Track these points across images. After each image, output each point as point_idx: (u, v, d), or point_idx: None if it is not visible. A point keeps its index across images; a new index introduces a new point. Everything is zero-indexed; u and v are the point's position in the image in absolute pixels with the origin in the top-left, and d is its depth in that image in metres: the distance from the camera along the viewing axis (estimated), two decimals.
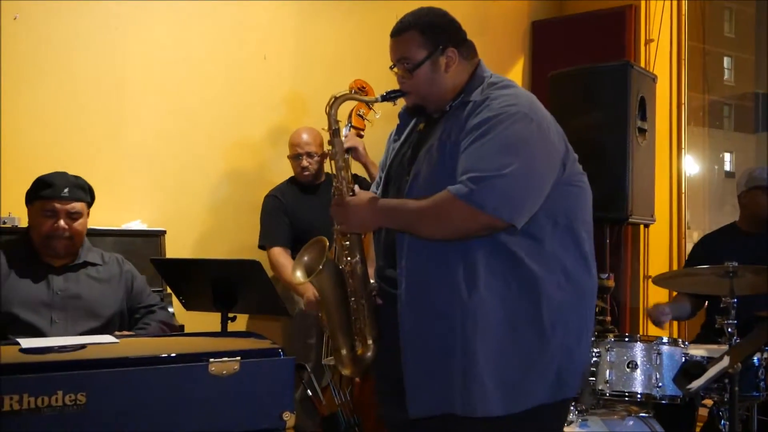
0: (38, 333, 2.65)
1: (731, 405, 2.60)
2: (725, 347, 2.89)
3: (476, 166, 1.93)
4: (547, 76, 4.48)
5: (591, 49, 4.90)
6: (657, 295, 4.69)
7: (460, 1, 4.56)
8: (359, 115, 3.61)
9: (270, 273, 3.27)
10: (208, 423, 1.90)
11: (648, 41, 5.03)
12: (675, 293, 3.91)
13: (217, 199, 4.09)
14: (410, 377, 2.05)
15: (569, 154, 2.09)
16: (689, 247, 4.50)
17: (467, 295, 1.96)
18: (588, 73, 4.27)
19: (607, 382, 3.08)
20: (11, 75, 3.44)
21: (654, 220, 4.50)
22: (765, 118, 11.12)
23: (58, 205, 2.76)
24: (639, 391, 3.06)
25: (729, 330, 2.95)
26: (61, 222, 2.75)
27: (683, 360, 3.05)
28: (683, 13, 5.16)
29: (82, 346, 2.13)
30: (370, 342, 2.15)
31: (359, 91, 3.60)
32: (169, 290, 3.25)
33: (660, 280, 3.50)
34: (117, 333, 2.70)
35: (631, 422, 3.09)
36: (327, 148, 2.20)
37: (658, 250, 5.01)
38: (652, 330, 4.14)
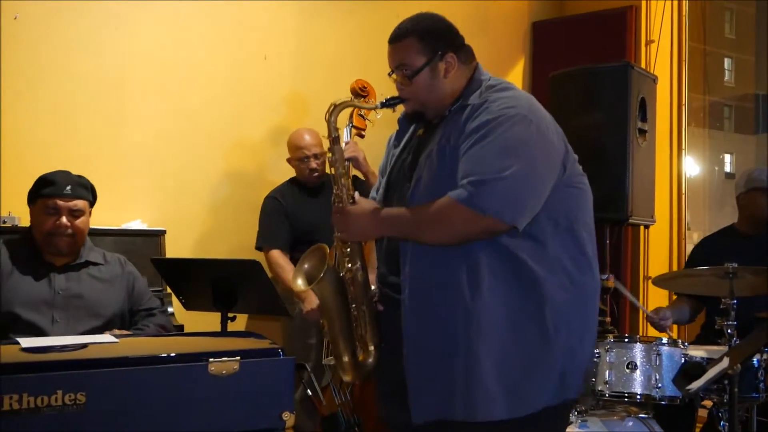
0: (40, 332, 2.65)
1: (731, 406, 2.59)
2: (725, 348, 2.89)
3: (476, 170, 1.93)
4: (547, 76, 4.46)
5: (591, 49, 4.90)
6: (657, 296, 4.69)
7: (460, 2, 4.60)
8: (360, 115, 3.61)
9: (269, 274, 3.27)
10: (207, 423, 1.90)
11: (648, 42, 5.03)
12: (674, 297, 3.90)
13: (217, 199, 4.09)
14: (413, 381, 2.04)
15: (569, 155, 2.08)
16: (689, 248, 4.49)
17: (470, 298, 1.96)
18: (588, 73, 4.26)
19: (606, 382, 3.08)
20: (11, 75, 3.44)
21: (654, 221, 4.49)
22: (765, 120, 11.11)
23: (60, 203, 2.76)
24: (638, 392, 3.05)
25: (729, 331, 2.94)
26: (64, 219, 2.75)
27: (683, 361, 3.05)
28: (684, 13, 5.16)
29: (82, 346, 2.13)
30: (371, 348, 2.14)
31: (361, 90, 3.62)
32: (169, 290, 3.25)
33: (660, 281, 3.50)
34: (116, 332, 2.70)
35: (630, 423, 3.08)
36: (328, 156, 2.20)
37: (658, 251, 5.01)
38: (652, 331, 4.13)
